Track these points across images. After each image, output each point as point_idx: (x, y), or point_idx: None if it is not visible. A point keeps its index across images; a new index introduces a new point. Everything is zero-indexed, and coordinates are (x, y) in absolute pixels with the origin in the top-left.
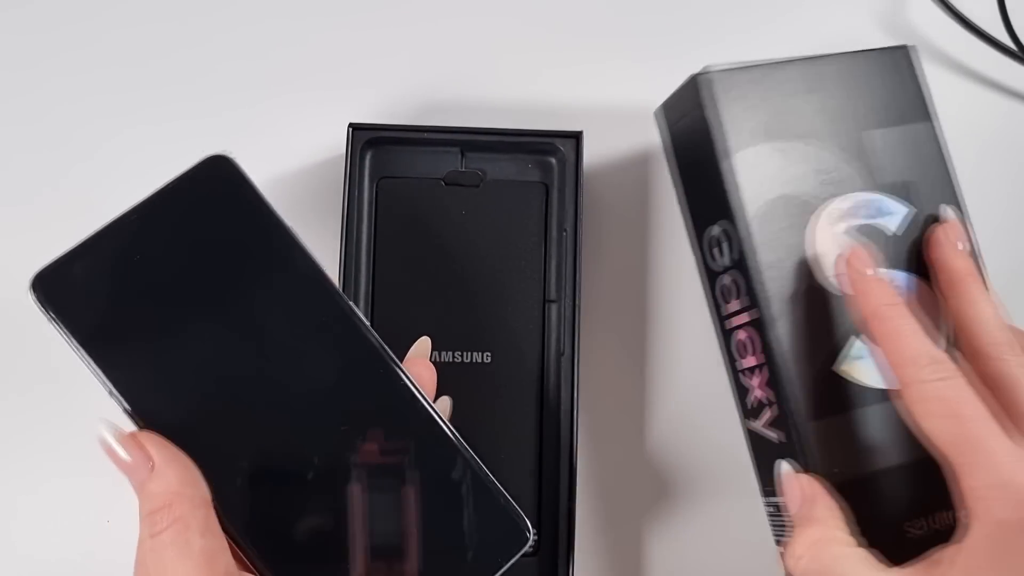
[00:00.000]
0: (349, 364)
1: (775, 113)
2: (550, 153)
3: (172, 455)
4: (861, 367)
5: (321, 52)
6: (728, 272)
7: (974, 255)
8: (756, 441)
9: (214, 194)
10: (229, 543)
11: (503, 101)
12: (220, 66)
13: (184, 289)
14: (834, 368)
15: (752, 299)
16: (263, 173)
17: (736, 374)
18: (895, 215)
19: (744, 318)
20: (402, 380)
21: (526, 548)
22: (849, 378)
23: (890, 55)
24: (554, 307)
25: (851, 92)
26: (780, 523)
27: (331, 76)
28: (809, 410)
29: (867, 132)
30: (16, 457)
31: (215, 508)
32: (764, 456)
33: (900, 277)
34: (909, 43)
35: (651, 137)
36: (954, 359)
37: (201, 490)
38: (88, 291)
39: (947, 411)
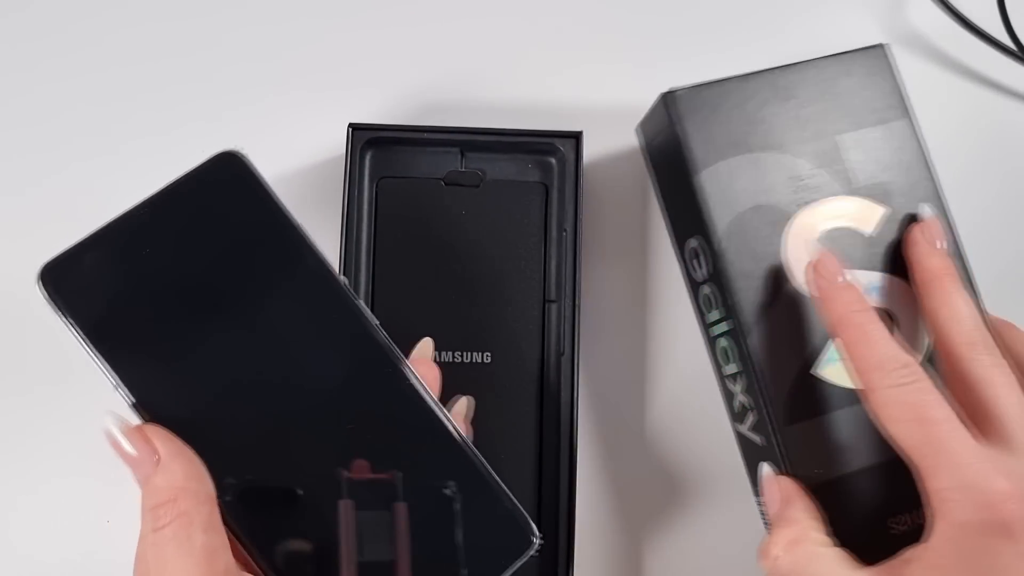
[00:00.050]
0: (356, 362)
1: (748, 124)
2: (550, 153)
3: (178, 449)
4: (838, 370)
5: (321, 52)
6: (707, 283)
7: (954, 253)
8: (745, 444)
9: (225, 190)
10: (230, 540)
11: (503, 101)
12: (220, 67)
13: (192, 285)
14: (812, 371)
15: (728, 310)
16: (264, 173)
17: (723, 379)
18: (871, 217)
19: (724, 327)
20: (409, 380)
21: (531, 552)
22: (827, 381)
23: (863, 56)
24: (554, 307)
25: (826, 97)
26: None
27: (332, 76)
28: (787, 415)
29: (842, 136)
30: (16, 457)
31: (218, 504)
32: (751, 458)
33: (877, 278)
34: (909, 43)
35: None
36: (929, 361)
37: (206, 485)
38: (96, 284)
39: (911, 415)
